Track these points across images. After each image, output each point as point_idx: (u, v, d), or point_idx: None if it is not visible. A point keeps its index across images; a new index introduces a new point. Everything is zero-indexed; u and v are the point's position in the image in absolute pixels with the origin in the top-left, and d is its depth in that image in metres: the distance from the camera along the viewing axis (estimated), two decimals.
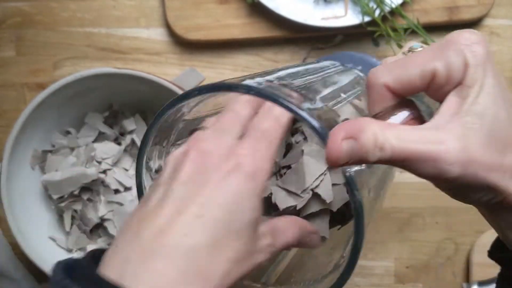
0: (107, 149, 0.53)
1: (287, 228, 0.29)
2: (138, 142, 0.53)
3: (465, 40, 0.25)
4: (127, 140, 0.54)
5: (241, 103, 0.29)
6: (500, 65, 0.59)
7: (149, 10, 0.59)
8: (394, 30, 0.54)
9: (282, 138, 0.28)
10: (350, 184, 0.25)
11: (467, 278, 0.58)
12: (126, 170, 0.53)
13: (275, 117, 0.28)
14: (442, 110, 0.25)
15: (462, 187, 0.25)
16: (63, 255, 0.53)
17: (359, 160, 0.23)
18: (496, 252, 0.31)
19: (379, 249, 0.59)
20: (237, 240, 0.25)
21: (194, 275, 0.23)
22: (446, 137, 0.23)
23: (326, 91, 0.32)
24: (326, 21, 0.55)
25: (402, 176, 0.59)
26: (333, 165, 0.23)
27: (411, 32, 0.54)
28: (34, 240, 0.51)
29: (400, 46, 0.54)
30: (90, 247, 0.53)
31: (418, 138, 0.23)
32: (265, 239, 0.27)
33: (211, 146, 0.26)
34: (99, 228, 0.53)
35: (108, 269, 0.23)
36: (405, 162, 0.23)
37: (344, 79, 0.37)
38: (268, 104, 0.29)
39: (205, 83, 0.59)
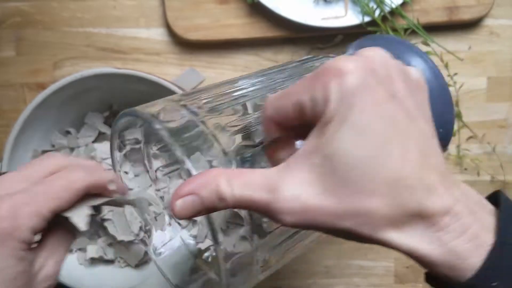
0: (107, 149, 0.53)
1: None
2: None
3: (334, 70, 0.23)
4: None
5: (50, 158, 0.30)
6: (500, 65, 0.59)
7: (149, 10, 0.59)
8: (394, 30, 0.54)
9: (72, 200, 0.28)
10: (211, 232, 0.26)
11: None
12: (126, 173, 0.53)
13: (72, 179, 0.28)
14: (300, 149, 0.24)
15: (323, 231, 0.24)
16: None
17: (207, 210, 0.24)
18: (432, 280, 0.28)
19: (379, 249, 0.59)
20: None
21: None
22: (281, 184, 0.23)
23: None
24: (326, 21, 0.55)
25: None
26: (179, 218, 0.25)
27: (411, 32, 0.54)
28: None
29: None
30: (90, 247, 0.53)
31: (259, 185, 0.23)
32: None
33: None
34: (99, 228, 0.53)
35: None
36: (250, 209, 0.24)
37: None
38: (83, 164, 0.30)
39: (205, 83, 0.59)
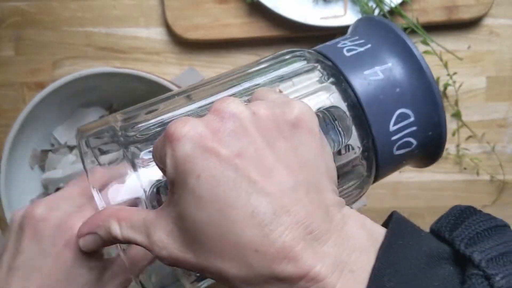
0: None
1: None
2: None
3: (168, 136, 0.22)
4: None
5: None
6: (499, 65, 0.59)
7: (148, 9, 0.59)
8: None
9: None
10: None
11: None
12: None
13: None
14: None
15: None
16: None
17: (108, 244, 0.27)
18: None
19: None
20: None
21: None
22: (154, 231, 0.24)
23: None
24: (326, 21, 0.55)
25: (402, 176, 0.59)
26: (86, 251, 0.29)
27: (411, 31, 0.54)
28: None
29: None
30: None
31: (139, 228, 0.25)
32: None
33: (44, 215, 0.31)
34: None
35: None
36: (139, 246, 0.25)
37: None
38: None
39: None
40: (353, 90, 0.31)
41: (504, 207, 0.60)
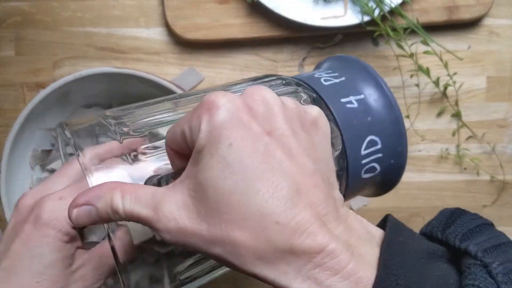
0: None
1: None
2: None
3: (208, 104, 0.24)
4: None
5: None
6: (499, 65, 0.59)
7: (148, 9, 0.59)
8: (394, 29, 0.54)
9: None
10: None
11: None
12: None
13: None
14: (183, 173, 0.25)
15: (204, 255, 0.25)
16: None
17: (102, 220, 0.26)
18: None
19: None
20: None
21: None
22: (163, 205, 0.24)
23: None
24: (326, 21, 0.55)
25: (403, 176, 0.59)
26: (75, 225, 0.27)
27: (411, 31, 0.54)
28: None
29: (399, 46, 0.54)
30: None
31: (146, 201, 0.24)
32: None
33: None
34: None
35: None
36: (139, 223, 0.25)
37: None
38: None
39: (204, 82, 0.59)
40: (332, 113, 0.33)
41: (504, 207, 0.60)
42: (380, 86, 0.35)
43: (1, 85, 0.60)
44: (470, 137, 0.59)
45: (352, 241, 0.23)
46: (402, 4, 0.55)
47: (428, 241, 0.26)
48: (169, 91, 0.49)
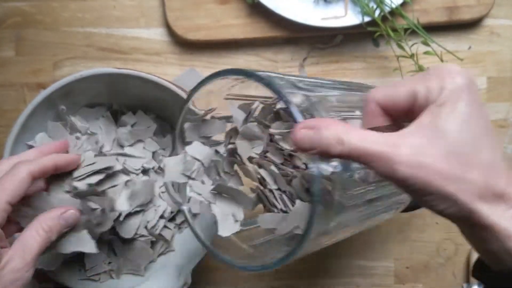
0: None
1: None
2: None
3: (447, 70, 0.28)
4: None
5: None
6: (500, 65, 0.59)
7: (149, 10, 0.59)
8: (394, 30, 0.54)
9: (19, 189, 0.39)
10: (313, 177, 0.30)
11: (467, 278, 0.58)
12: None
13: (14, 172, 0.39)
14: (412, 123, 0.28)
15: (423, 193, 0.27)
16: None
17: (321, 150, 0.28)
18: (478, 271, 0.31)
19: (379, 249, 0.59)
20: None
21: None
22: (402, 142, 0.27)
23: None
24: (326, 21, 0.55)
25: None
26: (297, 147, 0.29)
27: (411, 32, 0.54)
28: None
29: (400, 46, 0.54)
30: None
31: (377, 140, 0.27)
32: None
33: None
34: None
35: None
36: (361, 159, 0.27)
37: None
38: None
39: None
40: None
41: None
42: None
43: (2, 86, 0.60)
44: None
45: None
46: (402, 4, 0.55)
47: None
48: (169, 92, 0.49)
